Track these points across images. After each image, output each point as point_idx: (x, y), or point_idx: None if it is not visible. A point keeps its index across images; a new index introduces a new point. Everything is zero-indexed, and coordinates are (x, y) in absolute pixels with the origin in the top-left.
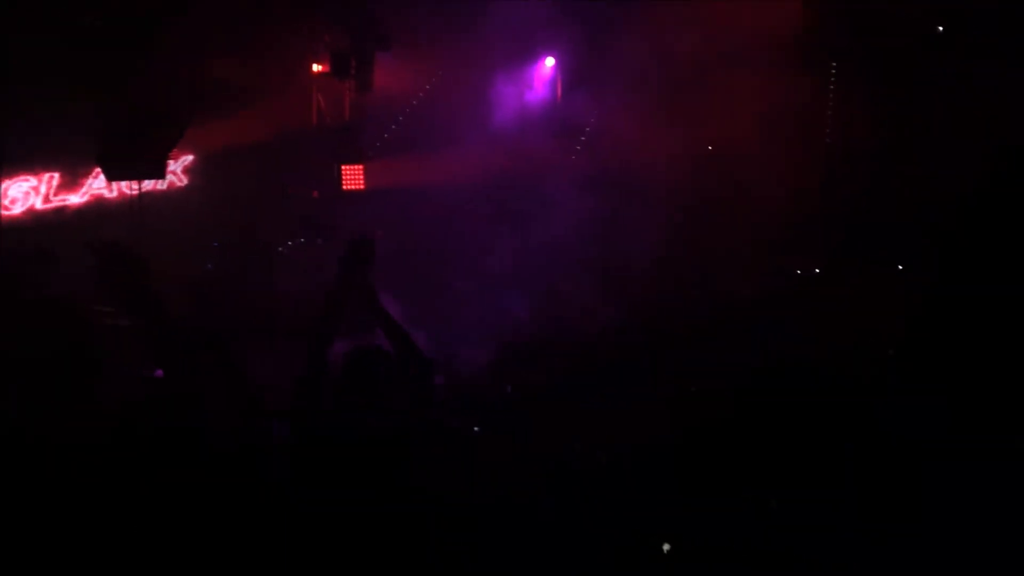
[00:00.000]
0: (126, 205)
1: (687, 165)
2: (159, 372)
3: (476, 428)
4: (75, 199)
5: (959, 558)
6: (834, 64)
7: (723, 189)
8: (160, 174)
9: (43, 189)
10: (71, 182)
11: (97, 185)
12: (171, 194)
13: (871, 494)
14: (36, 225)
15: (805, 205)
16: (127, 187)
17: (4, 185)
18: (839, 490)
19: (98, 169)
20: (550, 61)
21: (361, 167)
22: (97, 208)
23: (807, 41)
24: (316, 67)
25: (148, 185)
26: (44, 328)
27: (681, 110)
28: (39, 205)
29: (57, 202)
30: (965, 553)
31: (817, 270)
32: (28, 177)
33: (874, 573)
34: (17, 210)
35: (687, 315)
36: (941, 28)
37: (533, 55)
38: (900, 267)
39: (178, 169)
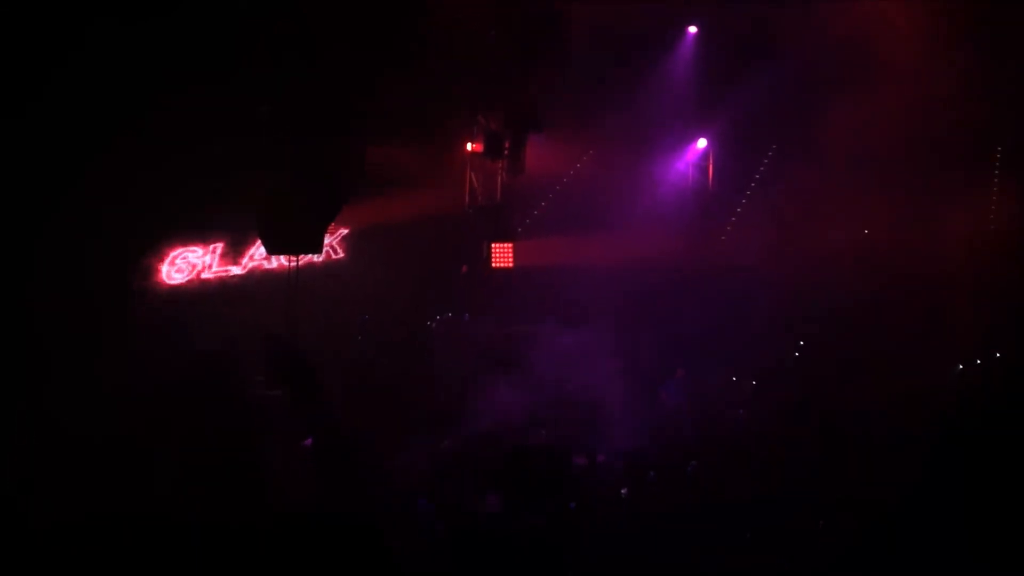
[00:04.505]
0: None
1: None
2: (308, 442)
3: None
4: (236, 269)
5: None
6: None
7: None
8: (317, 248)
9: (209, 258)
10: (234, 253)
11: (258, 256)
12: (327, 266)
13: None
14: (198, 292)
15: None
16: (286, 258)
17: (175, 253)
18: None
19: (259, 241)
20: (702, 142)
21: (511, 245)
22: (257, 277)
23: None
24: (470, 146)
25: (306, 257)
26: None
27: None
28: (205, 274)
29: (220, 271)
30: None
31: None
32: (196, 248)
33: None
34: (183, 278)
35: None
36: None
37: (685, 136)
38: None
39: (334, 242)
